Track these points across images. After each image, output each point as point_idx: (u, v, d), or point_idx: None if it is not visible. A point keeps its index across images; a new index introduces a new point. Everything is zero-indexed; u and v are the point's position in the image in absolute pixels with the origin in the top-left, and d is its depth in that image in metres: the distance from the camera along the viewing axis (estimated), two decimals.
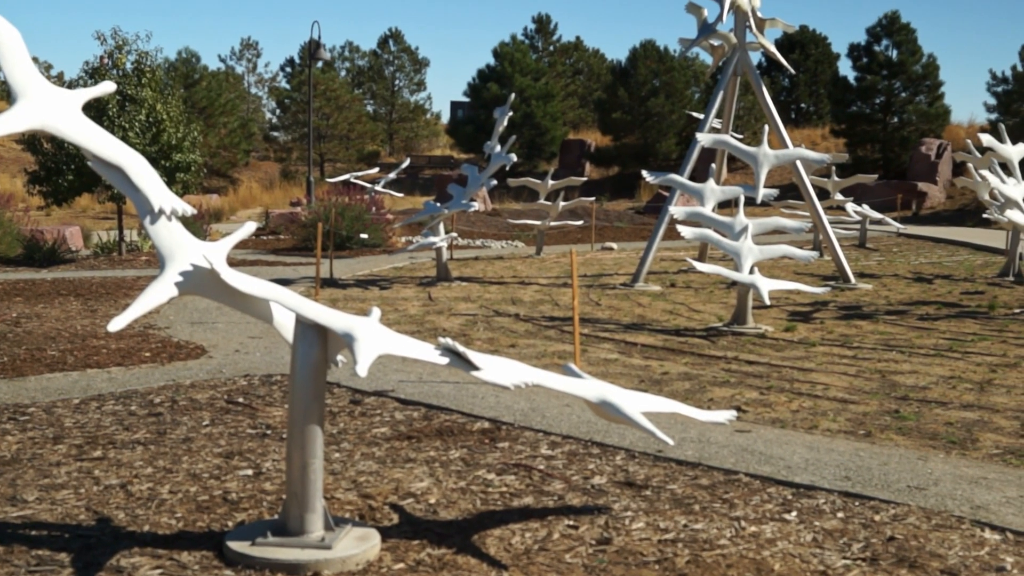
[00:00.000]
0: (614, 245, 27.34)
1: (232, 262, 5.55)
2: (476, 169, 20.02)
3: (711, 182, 15.93)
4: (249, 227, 5.89)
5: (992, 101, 42.81)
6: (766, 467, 6.66)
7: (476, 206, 19.20)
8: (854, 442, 7.49)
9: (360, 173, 34.39)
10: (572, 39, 73.65)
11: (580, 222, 29.40)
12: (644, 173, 16.88)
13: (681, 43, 20.61)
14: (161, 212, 5.30)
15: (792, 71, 24.46)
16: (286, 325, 5.39)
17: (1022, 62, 41.64)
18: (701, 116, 20.65)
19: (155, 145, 21.65)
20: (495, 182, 19.86)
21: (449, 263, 19.99)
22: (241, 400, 8.55)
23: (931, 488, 6.24)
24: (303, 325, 4.98)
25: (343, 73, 70.42)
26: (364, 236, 24.42)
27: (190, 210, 5.45)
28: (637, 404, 5.26)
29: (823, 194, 25.87)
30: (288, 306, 4.97)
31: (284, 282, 17.84)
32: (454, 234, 20.81)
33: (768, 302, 12.99)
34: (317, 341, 4.97)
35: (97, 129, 5.35)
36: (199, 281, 5.24)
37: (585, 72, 72.79)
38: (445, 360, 4.87)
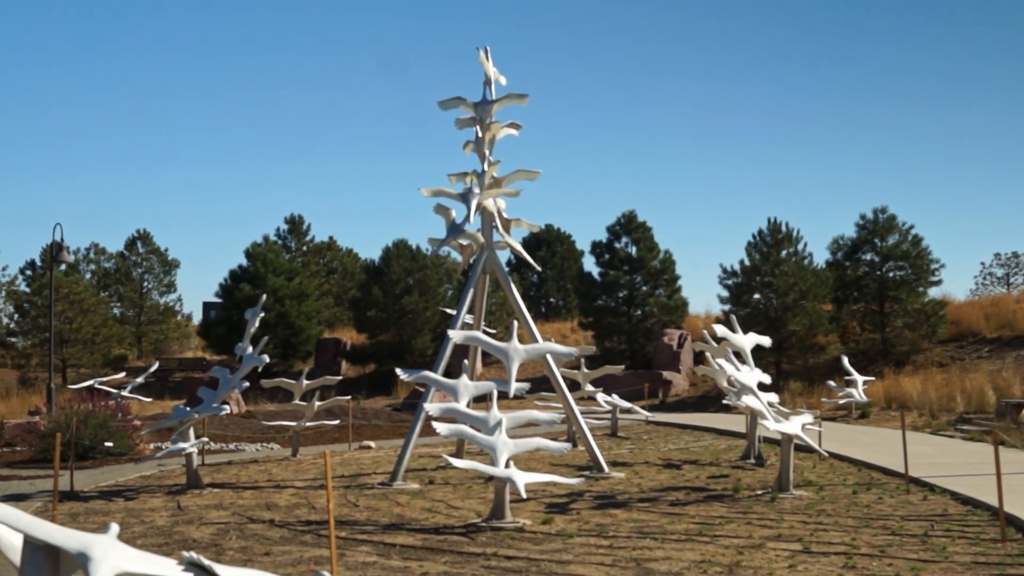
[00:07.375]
0: (372, 443, 27.04)
1: None
2: (228, 371, 19.62)
3: (464, 378, 16.16)
4: None
5: (724, 293, 45.41)
6: None
7: (228, 409, 18.77)
8: None
9: (106, 378, 33.14)
10: (325, 239, 74.27)
11: (337, 421, 29.03)
12: (398, 371, 16.99)
13: (431, 242, 21.07)
14: None
15: (538, 268, 25.42)
16: (13, 546, 5.03)
17: (748, 257, 44.57)
18: (454, 312, 21.03)
19: None
20: (248, 383, 19.50)
21: (200, 469, 19.27)
22: None
23: None
24: (31, 546, 4.66)
25: (88, 275, 68.27)
26: (109, 444, 23.31)
27: None
28: None
29: (574, 386, 26.66)
30: (14, 526, 4.65)
31: (19, 498, 16.75)
32: (205, 439, 20.13)
33: (525, 495, 13.13)
34: (47, 563, 4.65)
35: None
36: None
37: (339, 271, 73.30)
38: (189, 575, 4.65)
